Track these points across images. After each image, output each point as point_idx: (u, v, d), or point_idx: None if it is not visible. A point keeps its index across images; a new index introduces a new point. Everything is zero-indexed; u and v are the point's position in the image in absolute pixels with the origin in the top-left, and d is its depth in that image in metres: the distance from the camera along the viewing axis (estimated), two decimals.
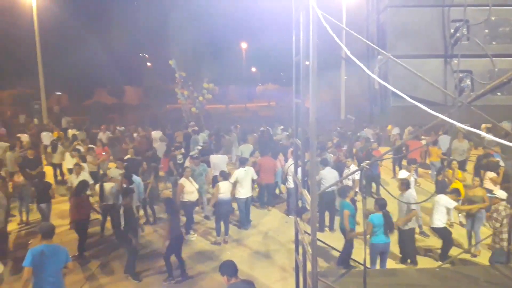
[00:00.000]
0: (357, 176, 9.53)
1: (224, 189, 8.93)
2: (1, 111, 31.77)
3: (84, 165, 11.00)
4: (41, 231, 5.47)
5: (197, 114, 25.11)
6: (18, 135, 16.76)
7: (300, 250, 5.30)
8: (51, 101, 34.78)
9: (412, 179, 8.87)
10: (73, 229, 8.47)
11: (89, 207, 8.74)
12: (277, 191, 12.16)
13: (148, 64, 57.67)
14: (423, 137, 14.25)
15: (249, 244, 8.96)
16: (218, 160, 11.09)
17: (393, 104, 3.68)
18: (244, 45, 52.00)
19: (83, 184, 8.62)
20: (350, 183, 9.74)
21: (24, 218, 10.37)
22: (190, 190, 9.17)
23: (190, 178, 9.38)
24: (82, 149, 13.26)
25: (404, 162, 14.12)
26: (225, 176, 9.20)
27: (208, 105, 27.14)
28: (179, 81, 25.28)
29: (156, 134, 16.33)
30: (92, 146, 13.75)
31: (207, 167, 10.76)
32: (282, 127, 17.84)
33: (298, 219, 5.53)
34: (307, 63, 4.45)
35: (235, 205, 9.74)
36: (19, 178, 10.31)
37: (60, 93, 42.89)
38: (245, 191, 9.57)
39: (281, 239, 9.12)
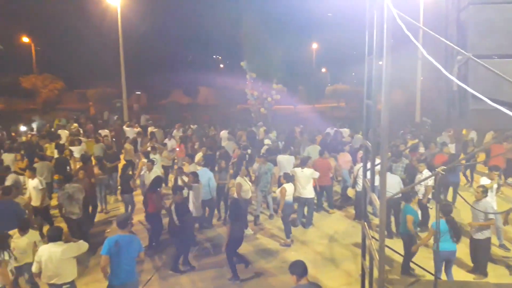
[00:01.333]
0: (430, 182, 9.08)
1: (289, 191, 8.98)
2: (87, 108, 34.73)
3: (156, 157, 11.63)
4: (117, 222, 5.87)
5: (265, 114, 25.44)
6: (100, 131, 18.24)
7: (367, 256, 5.17)
8: (131, 99, 37.20)
9: (494, 187, 8.24)
10: (148, 222, 9.00)
11: (161, 201, 9.14)
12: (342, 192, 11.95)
13: (221, 65, 59.44)
14: (505, 143, 13.14)
15: (314, 246, 8.90)
16: (285, 160, 11.11)
17: (473, 107, 3.43)
18: (314, 45, 51.53)
19: (158, 180, 9.09)
20: (422, 189, 9.29)
21: (103, 207, 11.17)
22: (245, 188, 9.46)
23: (245, 177, 9.65)
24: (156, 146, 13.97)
25: (480, 168, 13.21)
26: (288, 178, 9.23)
27: (276, 105, 27.33)
28: (250, 82, 25.80)
29: (224, 133, 16.80)
30: (166, 142, 14.53)
31: (273, 166, 10.83)
32: (344, 129, 17.40)
33: (365, 223, 5.41)
34: (380, 63, 4.34)
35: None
36: (98, 171, 11.16)
37: (139, 93, 45.77)
38: (301, 191, 9.57)
39: (348, 243, 8.95)
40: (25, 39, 43.14)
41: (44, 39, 44.54)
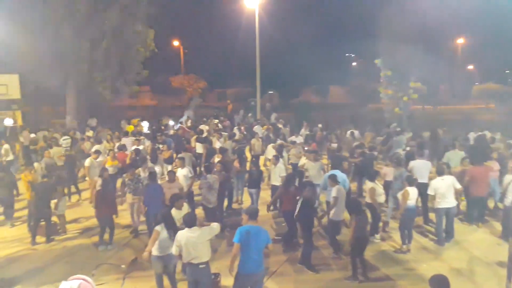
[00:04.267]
0: None
1: (412, 195, 8.47)
2: (225, 106, 37.47)
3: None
4: (248, 213, 6.18)
5: (400, 115, 24.01)
6: (235, 128, 19.55)
7: None
8: (264, 98, 38.89)
9: None
10: (284, 218, 9.17)
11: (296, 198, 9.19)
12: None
13: (353, 63, 58.23)
14: None
15: (450, 260, 8.14)
16: (420, 165, 10.27)
17: None
18: (460, 40, 46.70)
19: (292, 177, 9.29)
20: None
21: (238, 198, 11.92)
22: (378, 192, 9.06)
23: (377, 181, 9.28)
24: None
25: None
26: (411, 181, 8.71)
27: (414, 105, 25.54)
28: (384, 80, 24.67)
29: (350, 134, 16.39)
30: (294, 140, 14.82)
31: (406, 171, 10.18)
32: (485, 132, 15.30)
33: None
34: None
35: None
36: (236, 164, 11.93)
37: (272, 92, 47.65)
38: (443, 201, 8.81)
39: (490, 262, 7.95)
40: (175, 43, 48.64)
41: (190, 43, 49.71)
